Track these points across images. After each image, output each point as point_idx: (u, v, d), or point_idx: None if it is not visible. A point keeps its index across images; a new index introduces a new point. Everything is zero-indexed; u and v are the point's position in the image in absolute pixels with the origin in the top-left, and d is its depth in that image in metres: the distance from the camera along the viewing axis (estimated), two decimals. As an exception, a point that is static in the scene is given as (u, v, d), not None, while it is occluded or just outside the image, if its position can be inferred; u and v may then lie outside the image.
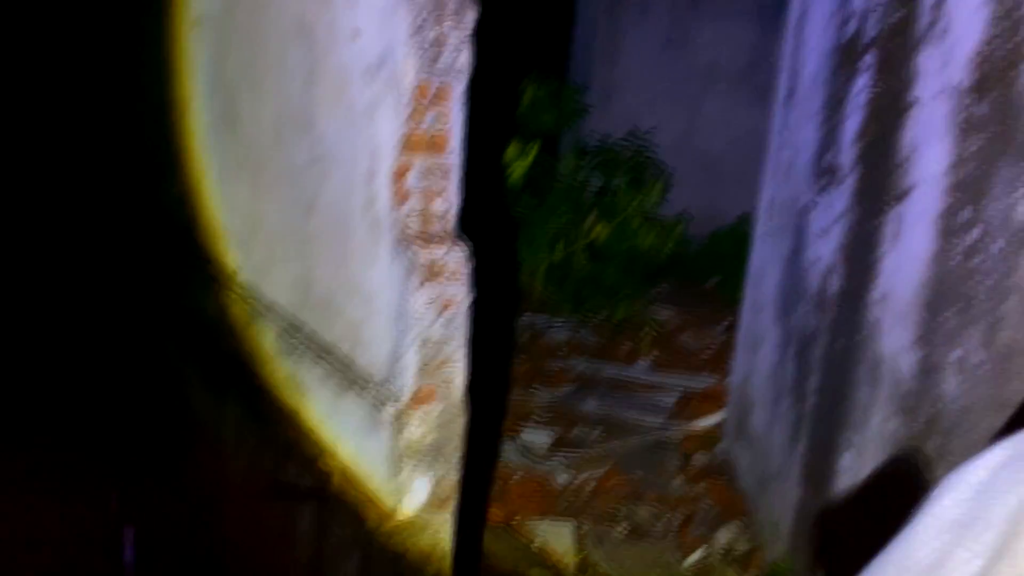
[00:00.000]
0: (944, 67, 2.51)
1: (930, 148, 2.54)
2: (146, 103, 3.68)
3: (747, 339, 4.31)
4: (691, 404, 4.94)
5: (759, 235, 4.36)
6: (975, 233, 2.25)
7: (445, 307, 2.26)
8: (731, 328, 5.73)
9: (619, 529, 3.74)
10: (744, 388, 4.21)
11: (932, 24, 2.62)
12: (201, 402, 3.29)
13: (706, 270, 6.83)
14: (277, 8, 2.68)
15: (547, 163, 5.90)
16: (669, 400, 4.97)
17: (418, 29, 2.12)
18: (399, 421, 2.27)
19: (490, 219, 5.73)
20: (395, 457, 2.28)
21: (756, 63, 7.12)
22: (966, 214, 2.30)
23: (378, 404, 2.33)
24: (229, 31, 2.96)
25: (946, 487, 0.80)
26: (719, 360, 5.48)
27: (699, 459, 4.38)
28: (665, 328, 5.89)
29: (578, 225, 5.69)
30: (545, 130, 6.17)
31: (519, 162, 5.32)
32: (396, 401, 2.29)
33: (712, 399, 4.95)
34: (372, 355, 2.40)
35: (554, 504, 3.87)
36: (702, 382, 5.21)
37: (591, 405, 4.78)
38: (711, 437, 4.57)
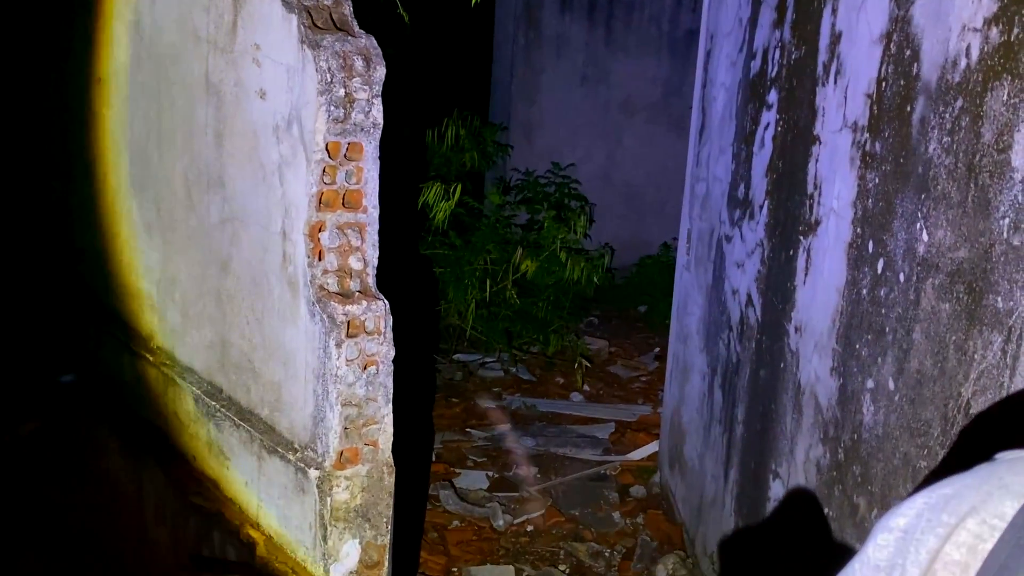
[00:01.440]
0: (843, 104, 2.61)
1: (836, 182, 2.63)
2: (57, 161, 3.56)
3: (676, 368, 4.36)
4: (626, 435, 4.96)
5: (681, 266, 4.43)
6: (881, 264, 2.32)
7: (366, 365, 2.22)
8: (662, 356, 5.80)
9: (560, 570, 3.71)
10: (676, 417, 4.25)
11: (829, 63, 2.72)
12: (117, 471, 3.16)
13: (634, 299, 6.92)
14: (182, 67, 2.62)
15: (471, 201, 5.91)
16: (604, 433, 4.99)
17: (326, 88, 2.10)
18: (324, 486, 2.21)
19: (411, 260, 5.70)
20: (321, 523, 2.22)
21: (670, 96, 7.32)
22: (872, 245, 2.38)
23: (302, 469, 2.27)
24: (135, 89, 2.89)
25: (874, 532, 0.81)
26: (651, 389, 5.54)
27: (637, 491, 4.40)
28: (597, 359, 5.93)
29: (505, 261, 5.70)
30: (468, 169, 6.19)
31: (443, 203, 5.31)
32: (320, 465, 2.23)
33: (646, 429, 5.00)
34: (293, 418, 2.34)
35: (494, 549, 3.82)
36: (636, 412, 5.25)
37: (527, 443, 4.76)
38: (647, 468, 4.60)
